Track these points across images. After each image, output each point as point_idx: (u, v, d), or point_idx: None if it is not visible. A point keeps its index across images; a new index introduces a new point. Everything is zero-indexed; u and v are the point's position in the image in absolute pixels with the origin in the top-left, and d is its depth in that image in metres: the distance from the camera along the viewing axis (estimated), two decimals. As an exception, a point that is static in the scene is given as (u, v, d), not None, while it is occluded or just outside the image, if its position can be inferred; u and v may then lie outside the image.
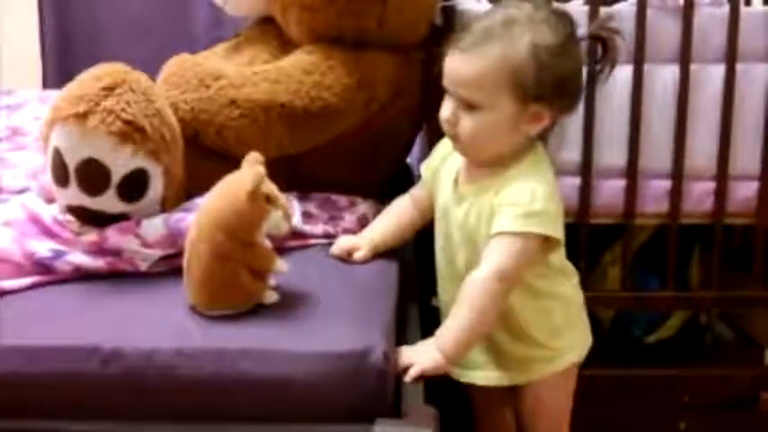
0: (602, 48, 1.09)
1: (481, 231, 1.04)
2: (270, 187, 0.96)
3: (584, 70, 1.10)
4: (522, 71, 0.99)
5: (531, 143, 1.06)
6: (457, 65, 1.02)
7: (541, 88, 1.00)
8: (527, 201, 1.00)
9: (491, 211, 1.02)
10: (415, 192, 1.19)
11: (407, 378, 0.94)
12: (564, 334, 1.11)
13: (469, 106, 1.02)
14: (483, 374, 1.11)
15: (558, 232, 1.02)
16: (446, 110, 1.04)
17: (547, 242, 1.03)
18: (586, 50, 1.13)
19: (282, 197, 0.98)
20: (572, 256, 1.15)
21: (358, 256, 1.13)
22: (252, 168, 0.96)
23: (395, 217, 1.19)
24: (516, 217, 1.00)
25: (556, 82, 1.01)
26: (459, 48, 1.02)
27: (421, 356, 0.96)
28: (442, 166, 1.13)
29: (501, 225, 1.00)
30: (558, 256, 1.09)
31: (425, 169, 1.18)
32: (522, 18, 1.01)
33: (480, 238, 1.04)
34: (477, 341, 1.04)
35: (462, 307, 0.99)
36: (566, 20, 1.05)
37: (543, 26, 1.01)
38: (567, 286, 1.13)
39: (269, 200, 0.95)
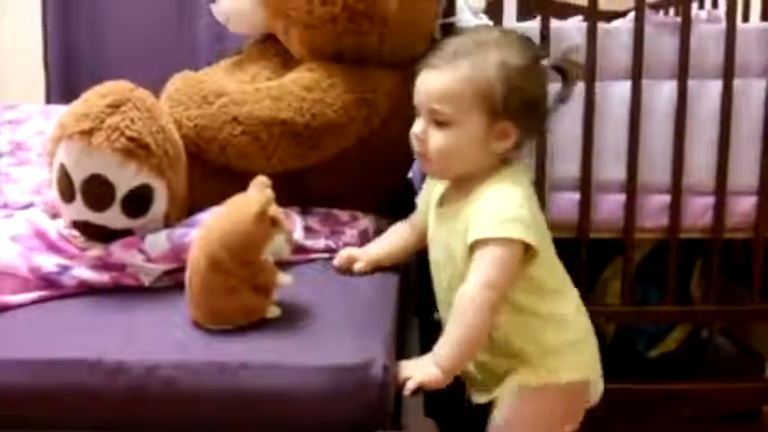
0: (562, 78, 1.10)
1: (459, 248, 1.04)
2: (276, 211, 0.97)
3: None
4: (490, 87, 1.02)
5: (505, 161, 1.07)
6: (427, 80, 1.05)
7: (509, 106, 1.02)
8: (496, 206, 1.01)
9: (466, 226, 1.02)
10: (413, 219, 1.20)
11: (405, 391, 0.95)
12: (562, 356, 1.08)
13: (439, 123, 1.04)
14: (483, 394, 1.10)
15: (532, 238, 1.01)
16: (416, 127, 1.06)
17: (525, 251, 1.02)
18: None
19: (287, 222, 1.00)
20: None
21: (357, 267, 1.15)
22: (260, 191, 0.97)
23: (393, 239, 1.20)
24: (488, 223, 1.00)
25: (522, 100, 1.03)
26: (429, 65, 1.05)
27: (418, 370, 0.97)
28: (433, 192, 1.15)
29: (474, 233, 1.00)
30: (544, 272, 1.07)
31: (420, 198, 1.19)
32: (492, 40, 1.05)
33: (459, 255, 1.05)
34: (472, 354, 1.04)
35: (455, 322, 1.00)
36: (532, 44, 1.09)
37: (512, 48, 1.04)
38: (563, 308, 1.10)
39: (274, 223, 0.96)
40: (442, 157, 1.05)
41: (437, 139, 1.04)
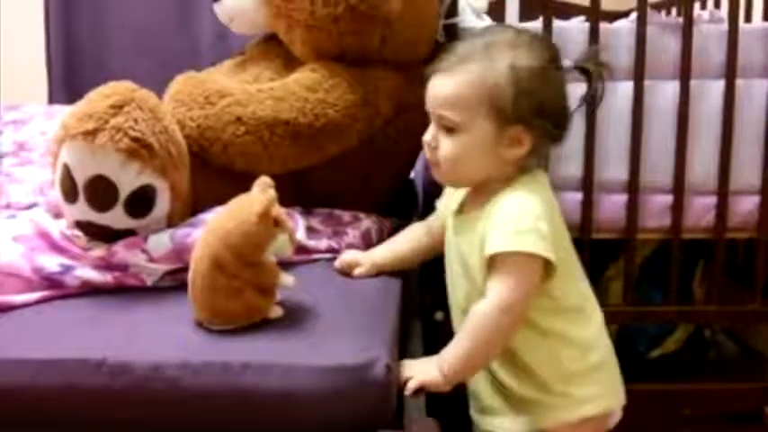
0: (586, 79, 1.08)
1: (473, 260, 1.03)
2: (278, 211, 0.97)
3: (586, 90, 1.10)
4: (499, 91, 0.99)
5: (523, 168, 1.04)
6: (436, 85, 1.02)
7: (519, 110, 0.99)
8: (515, 218, 0.98)
9: (482, 237, 1.00)
10: (431, 222, 1.18)
11: (406, 391, 0.95)
12: (583, 383, 1.05)
13: (448, 129, 1.01)
14: (498, 421, 1.08)
15: (550, 253, 0.97)
16: (428, 134, 1.04)
17: (545, 266, 0.99)
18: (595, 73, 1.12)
19: (290, 222, 1.00)
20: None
21: (357, 272, 1.14)
22: (263, 192, 0.97)
23: (405, 242, 1.18)
24: (506, 236, 0.97)
25: (534, 104, 0.99)
26: (439, 69, 1.02)
27: (421, 371, 0.97)
28: (453, 199, 1.13)
29: (491, 246, 0.98)
30: (563, 289, 1.03)
31: (441, 203, 1.17)
32: (503, 41, 1.01)
33: (474, 266, 1.03)
34: (478, 369, 1.03)
35: (466, 335, 0.99)
36: (548, 45, 1.05)
37: (523, 49, 1.00)
38: (585, 329, 1.06)
39: (276, 223, 0.96)
40: (450, 164, 1.02)
41: (445, 145, 1.02)
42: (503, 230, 0.98)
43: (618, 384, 1.11)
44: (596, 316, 1.09)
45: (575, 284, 1.07)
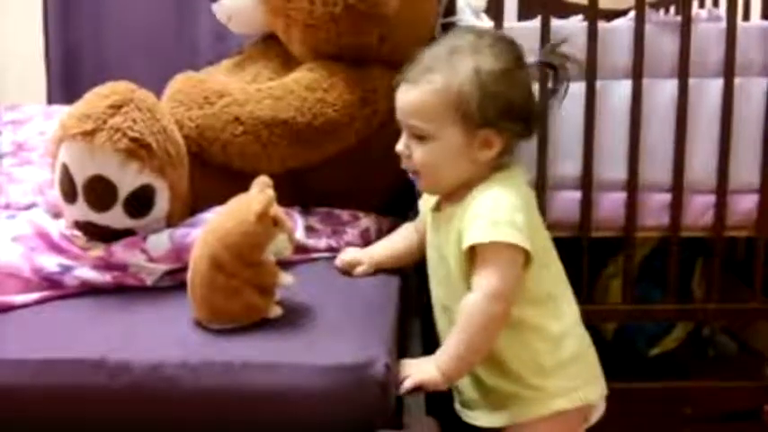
0: (552, 73, 1.09)
1: (451, 253, 1.03)
2: (277, 210, 0.97)
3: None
4: (464, 98, 1.00)
5: (497, 165, 1.05)
6: (403, 95, 1.04)
7: (486, 114, 1.00)
8: (490, 210, 0.99)
9: (459, 232, 1.01)
10: (417, 221, 1.19)
11: (402, 389, 0.95)
12: (556, 377, 1.04)
13: (419, 137, 1.03)
14: (476, 414, 1.09)
15: (525, 244, 0.98)
16: (400, 144, 1.05)
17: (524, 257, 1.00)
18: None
19: (288, 222, 1.00)
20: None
21: (359, 271, 1.15)
22: (262, 191, 0.97)
23: (400, 240, 1.20)
24: (483, 227, 0.98)
25: (501, 107, 1.00)
26: (405, 79, 1.04)
27: (418, 370, 0.97)
28: (430, 198, 1.14)
29: (469, 238, 0.99)
30: (537, 280, 1.03)
31: (422, 201, 1.18)
32: (465, 46, 1.02)
33: (451, 260, 1.03)
34: (474, 363, 1.03)
35: (459, 330, 0.99)
36: (510, 46, 1.05)
37: (486, 52, 1.01)
38: (559, 321, 1.06)
39: (275, 223, 0.97)
40: (428, 172, 1.04)
41: (419, 154, 1.03)
42: (479, 223, 0.99)
43: (596, 377, 1.10)
44: (570, 308, 1.09)
45: (549, 276, 1.07)
